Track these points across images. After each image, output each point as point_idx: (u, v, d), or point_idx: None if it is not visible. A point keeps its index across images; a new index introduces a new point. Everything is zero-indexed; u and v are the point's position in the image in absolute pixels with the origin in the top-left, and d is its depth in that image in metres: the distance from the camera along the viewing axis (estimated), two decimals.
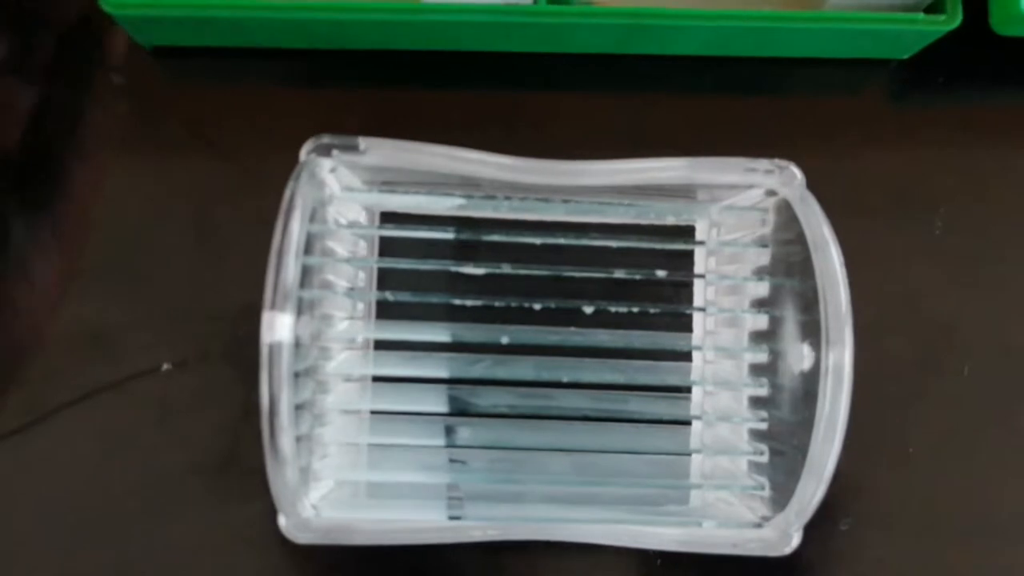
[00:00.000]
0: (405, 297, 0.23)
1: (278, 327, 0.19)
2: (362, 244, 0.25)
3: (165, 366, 0.27)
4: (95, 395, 0.27)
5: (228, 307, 0.27)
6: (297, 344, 0.20)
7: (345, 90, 0.29)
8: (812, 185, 0.23)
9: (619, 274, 0.23)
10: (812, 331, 0.22)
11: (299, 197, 0.21)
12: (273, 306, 0.20)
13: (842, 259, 0.22)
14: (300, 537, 0.21)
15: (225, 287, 0.27)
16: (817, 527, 0.27)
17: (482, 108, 0.29)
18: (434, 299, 0.23)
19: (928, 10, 0.27)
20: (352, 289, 0.25)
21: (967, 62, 0.30)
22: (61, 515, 0.26)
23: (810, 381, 0.22)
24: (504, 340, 0.22)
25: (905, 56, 0.29)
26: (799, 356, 0.22)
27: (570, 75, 0.29)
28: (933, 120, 0.30)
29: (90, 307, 0.27)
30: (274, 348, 0.19)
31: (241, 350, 0.27)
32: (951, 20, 0.26)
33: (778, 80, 0.30)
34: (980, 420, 0.28)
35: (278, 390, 0.20)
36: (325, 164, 0.22)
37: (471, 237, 0.24)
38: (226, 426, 0.26)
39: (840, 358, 0.21)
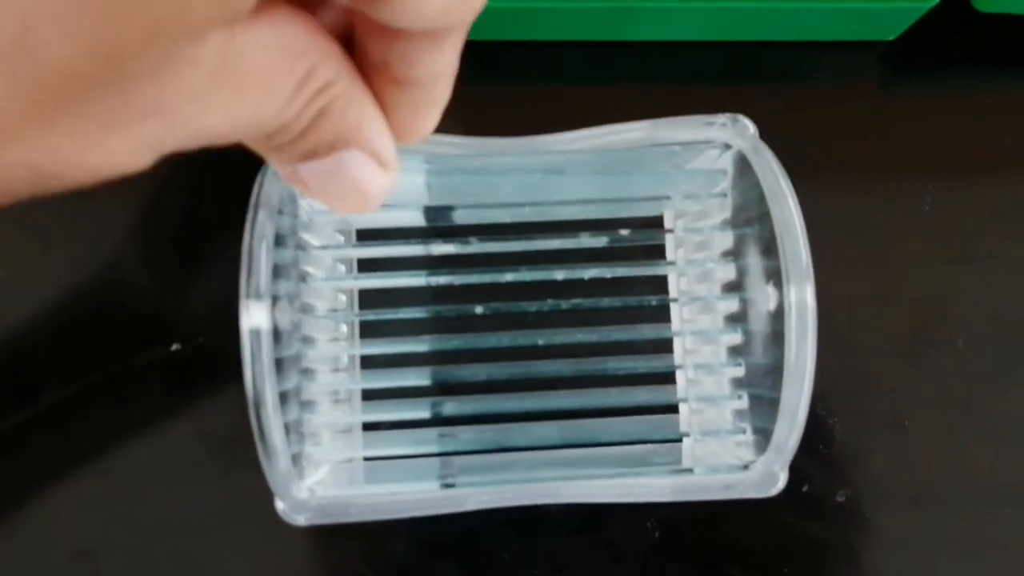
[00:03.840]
0: (380, 282, 0.24)
1: (255, 313, 0.20)
2: (338, 236, 0.26)
3: (175, 346, 0.28)
4: (107, 374, 0.27)
5: (235, 291, 0.27)
6: (278, 332, 0.21)
7: None
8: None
9: (585, 238, 0.24)
10: (776, 273, 0.22)
11: (266, 191, 0.22)
12: (248, 295, 0.20)
13: (797, 203, 0.23)
14: (298, 519, 0.22)
15: (232, 272, 0.27)
16: (814, 499, 0.27)
17: (472, 99, 0.29)
18: (409, 280, 0.24)
19: None
20: (330, 277, 0.25)
21: (952, 42, 0.31)
22: (74, 489, 0.27)
23: (778, 322, 0.22)
24: (478, 310, 0.23)
25: (891, 37, 0.30)
26: (765, 298, 0.23)
27: (556, 65, 0.30)
28: (921, 100, 0.31)
29: (102, 290, 0.28)
30: (253, 334, 0.20)
31: None
32: None
33: (767, 65, 0.30)
34: (974, 391, 0.29)
35: (261, 376, 0.20)
36: None
37: (442, 223, 0.25)
38: (233, 404, 0.27)
39: (802, 296, 0.21)
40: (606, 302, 0.24)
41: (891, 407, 0.28)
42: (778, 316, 0.22)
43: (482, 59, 0.30)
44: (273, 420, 0.21)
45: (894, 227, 0.29)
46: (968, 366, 0.29)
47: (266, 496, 0.26)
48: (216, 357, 0.27)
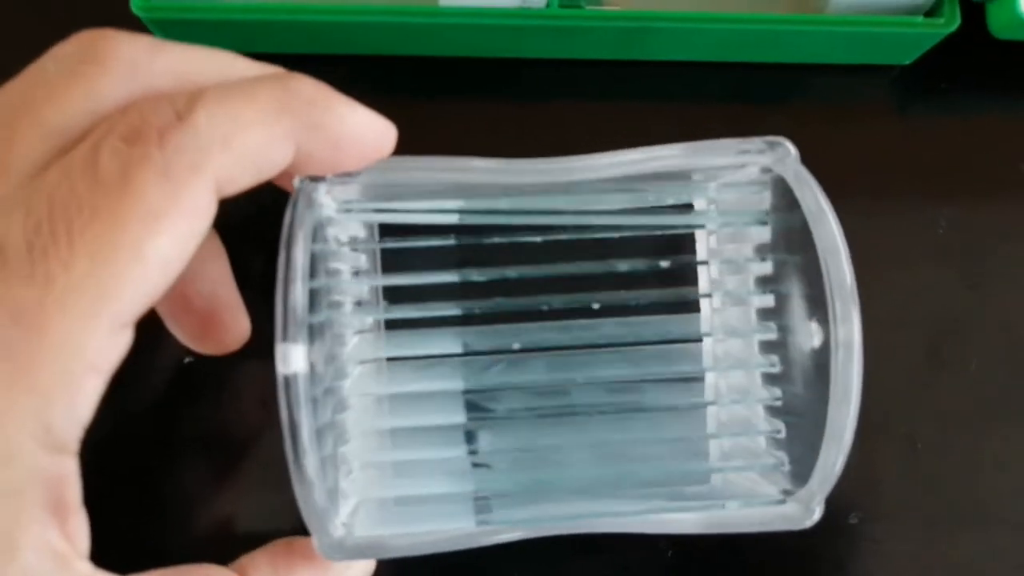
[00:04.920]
0: (412, 313, 0.23)
1: (292, 359, 0.20)
2: (364, 259, 0.25)
3: (187, 359, 0.27)
4: (117, 386, 0.27)
5: (253, 302, 0.27)
6: (312, 369, 0.20)
7: (369, 98, 0.29)
8: None
9: (622, 267, 0.23)
10: (819, 304, 0.22)
11: (298, 224, 0.21)
12: (285, 338, 0.20)
13: (841, 230, 0.22)
14: (335, 557, 0.22)
15: (242, 286, 0.27)
16: (827, 522, 0.27)
17: (493, 116, 0.29)
18: (441, 311, 0.23)
19: (928, 14, 0.28)
20: (360, 305, 0.25)
21: (969, 67, 0.30)
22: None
23: (821, 355, 0.22)
24: (516, 346, 0.22)
25: (907, 62, 0.30)
26: (808, 333, 0.22)
27: (578, 82, 0.30)
28: (935, 125, 0.31)
29: None
30: (290, 380, 0.20)
31: (259, 345, 0.27)
32: (949, 23, 0.27)
33: (782, 88, 0.30)
34: (988, 414, 0.29)
35: (298, 419, 0.20)
36: (320, 187, 0.22)
37: (472, 241, 0.24)
38: (246, 417, 0.27)
39: (849, 331, 0.21)
40: (641, 332, 0.23)
41: (904, 429, 0.28)
42: (821, 347, 0.22)
43: (505, 77, 0.30)
44: (311, 458, 0.20)
45: (908, 250, 0.29)
46: (982, 389, 0.29)
47: (277, 511, 0.26)
48: (230, 370, 0.27)
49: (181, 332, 0.23)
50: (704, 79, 0.30)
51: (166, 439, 0.27)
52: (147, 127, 0.16)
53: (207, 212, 0.17)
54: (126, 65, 0.17)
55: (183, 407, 0.27)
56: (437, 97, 0.29)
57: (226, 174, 0.17)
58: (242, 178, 0.17)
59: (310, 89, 0.18)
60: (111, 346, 0.16)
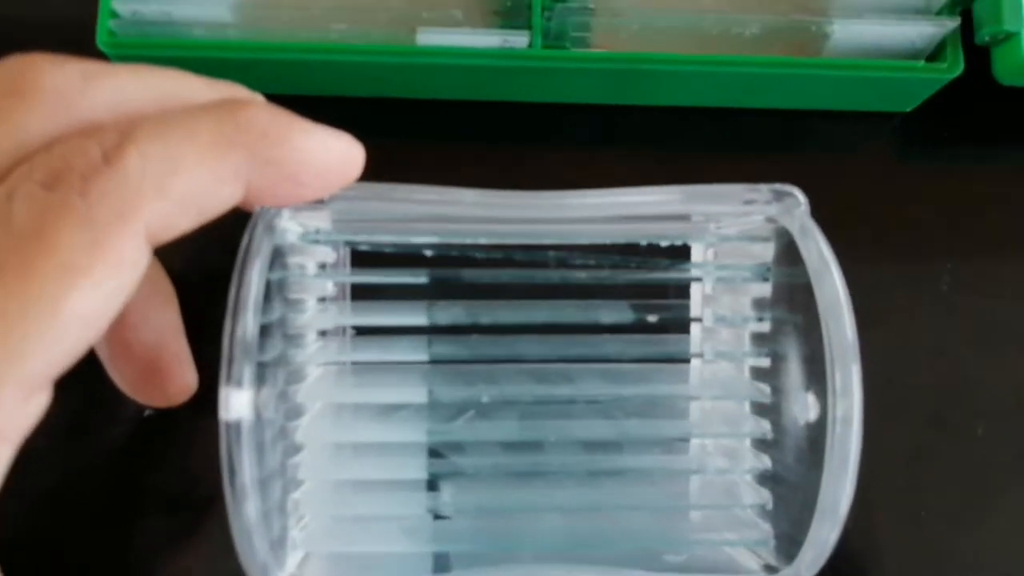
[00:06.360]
0: (377, 354, 0.21)
1: (234, 404, 0.18)
2: (331, 286, 0.24)
3: (147, 412, 0.26)
4: (77, 440, 0.26)
5: (208, 357, 0.25)
6: (260, 413, 0.19)
7: None
8: None
9: (606, 319, 0.21)
10: (817, 367, 0.20)
11: (253, 253, 0.19)
12: (229, 380, 0.18)
13: (846, 290, 0.20)
14: None
15: (206, 337, 0.25)
16: None
17: (473, 161, 0.28)
18: (408, 354, 0.21)
19: (929, 59, 0.26)
20: (323, 337, 0.23)
21: (973, 115, 0.29)
22: (40, 546, 0.25)
23: (817, 422, 0.20)
24: (484, 399, 0.21)
25: (908, 109, 0.28)
26: (804, 404, 0.20)
27: (565, 127, 0.28)
28: (938, 175, 0.29)
29: None
30: (231, 426, 0.18)
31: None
32: (952, 69, 0.26)
33: (778, 135, 0.29)
34: (995, 481, 0.27)
35: (239, 464, 0.18)
36: (284, 212, 0.20)
37: (447, 278, 0.23)
38: (206, 472, 0.25)
39: (848, 400, 0.19)
40: (626, 387, 0.22)
41: (907, 497, 0.27)
42: (817, 417, 0.20)
43: (487, 121, 0.28)
44: (252, 506, 0.18)
45: (910, 308, 0.28)
46: (988, 455, 0.27)
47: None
48: (190, 423, 0.25)
49: (120, 379, 0.21)
50: (696, 125, 0.28)
51: (124, 493, 0.26)
52: (69, 171, 0.14)
53: (136, 264, 0.15)
54: (54, 97, 0.15)
55: (141, 460, 0.26)
56: (415, 142, 0.28)
57: (161, 220, 0.15)
58: (181, 222, 0.15)
59: (263, 119, 0.16)
60: (20, 412, 0.14)
